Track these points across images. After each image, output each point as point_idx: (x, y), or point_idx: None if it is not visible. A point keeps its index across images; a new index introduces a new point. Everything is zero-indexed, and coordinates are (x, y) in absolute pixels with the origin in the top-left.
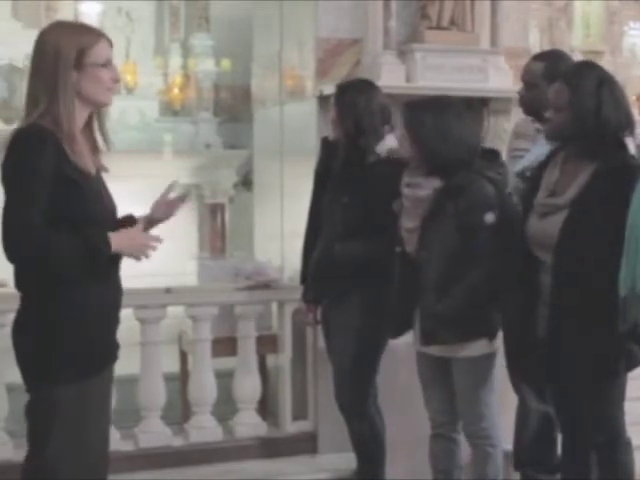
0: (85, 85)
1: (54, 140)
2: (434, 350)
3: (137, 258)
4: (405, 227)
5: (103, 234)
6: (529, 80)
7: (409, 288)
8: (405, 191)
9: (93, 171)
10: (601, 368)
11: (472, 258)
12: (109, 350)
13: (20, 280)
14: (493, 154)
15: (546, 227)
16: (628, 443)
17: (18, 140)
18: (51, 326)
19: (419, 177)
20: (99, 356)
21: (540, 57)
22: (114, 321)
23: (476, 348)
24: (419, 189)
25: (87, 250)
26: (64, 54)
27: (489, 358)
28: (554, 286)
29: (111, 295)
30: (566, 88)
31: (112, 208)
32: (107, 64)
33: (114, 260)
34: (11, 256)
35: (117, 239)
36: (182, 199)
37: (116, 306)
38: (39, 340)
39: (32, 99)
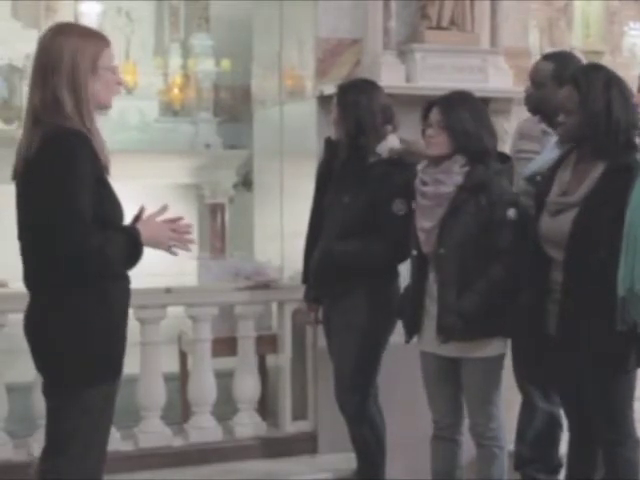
0: (97, 88)
1: (89, 141)
2: (446, 350)
3: (169, 251)
4: (421, 227)
5: (133, 229)
6: (536, 79)
7: (425, 291)
8: (423, 189)
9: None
10: (611, 364)
11: (493, 253)
12: (125, 348)
13: (44, 280)
14: (503, 156)
15: (557, 225)
16: (637, 441)
17: (57, 142)
18: (85, 327)
19: (440, 174)
20: (123, 355)
21: (550, 57)
22: (127, 318)
23: (489, 349)
24: (442, 185)
25: (129, 244)
26: (85, 58)
27: (500, 359)
28: (565, 282)
29: (129, 293)
30: (575, 91)
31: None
32: (114, 68)
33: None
34: (58, 256)
35: (144, 231)
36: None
37: (128, 303)
38: (74, 341)
39: (53, 101)
